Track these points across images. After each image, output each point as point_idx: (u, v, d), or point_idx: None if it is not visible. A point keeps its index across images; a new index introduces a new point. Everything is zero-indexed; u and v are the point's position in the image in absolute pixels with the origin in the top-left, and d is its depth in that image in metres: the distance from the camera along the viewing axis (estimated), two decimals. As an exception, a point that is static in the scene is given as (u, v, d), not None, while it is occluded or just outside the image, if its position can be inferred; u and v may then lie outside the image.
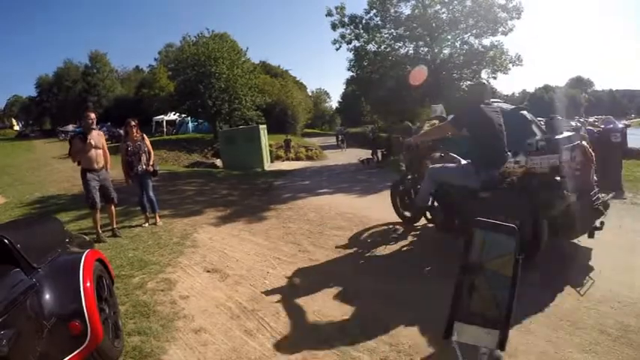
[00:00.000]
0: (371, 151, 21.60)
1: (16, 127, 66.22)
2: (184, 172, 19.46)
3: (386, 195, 7.82)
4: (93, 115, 7.26)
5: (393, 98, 25.10)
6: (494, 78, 24.56)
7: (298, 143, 34.94)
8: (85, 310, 2.88)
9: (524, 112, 6.50)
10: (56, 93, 59.98)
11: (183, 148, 29.91)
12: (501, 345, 1.06)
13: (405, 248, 5.94)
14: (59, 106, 58.90)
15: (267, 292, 4.54)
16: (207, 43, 30.72)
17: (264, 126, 25.44)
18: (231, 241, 6.76)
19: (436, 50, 24.25)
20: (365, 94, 29.70)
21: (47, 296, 2.86)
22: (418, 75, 20.82)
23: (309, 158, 30.14)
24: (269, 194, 11.84)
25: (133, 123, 8.14)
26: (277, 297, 4.41)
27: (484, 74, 24.59)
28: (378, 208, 8.32)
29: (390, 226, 6.99)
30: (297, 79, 69.99)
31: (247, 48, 33.04)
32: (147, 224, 8.02)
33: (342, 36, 24.66)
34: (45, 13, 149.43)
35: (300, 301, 4.29)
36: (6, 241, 2.82)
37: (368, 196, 10.56)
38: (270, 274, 5.09)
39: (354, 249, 6.05)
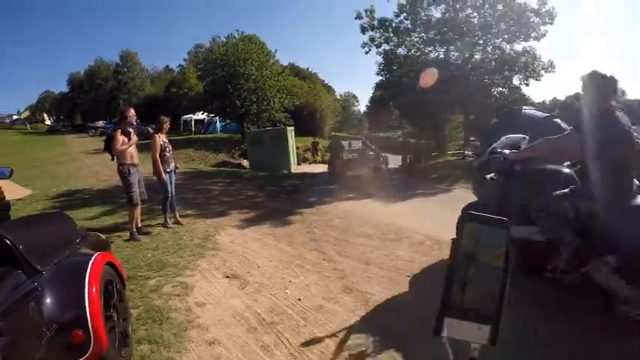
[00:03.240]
0: (401, 156, 21.04)
1: (48, 122, 67.72)
2: (211, 172, 19.52)
3: (415, 203, 7.54)
4: (133, 112, 7.20)
5: (422, 103, 24.60)
6: (527, 84, 23.91)
7: (325, 146, 34.70)
8: (88, 319, 2.64)
9: (558, 120, 6.08)
10: (87, 90, 61.02)
11: (210, 148, 30.06)
12: (493, 340, 1.00)
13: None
14: (90, 102, 60.12)
15: (288, 304, 4.24)
16: (236, 45, 30.84)
17: (292, 128, 25.29)
18: (253, 245, 6.51)
19: (467, 55, 23.66)
20: (394, 98, 29.22)
21: (49, 302, 2.64)
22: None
23: (337, 161, 29.78)
24: (295, 197, 11.65)
25: (167, 120, 8.03)
26: (298, 309, 4.11)
27: (516, 80, 23.99)
28: (407, 217, 8.01)
29: (427, 241, 6.52)
30: (326, 82, 69.84)
31: (276, 50, 33.17)
32: (170, 224, 7.76)
33: (372, 39, 24.26)
34: (77, 12, 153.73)
35: (322, 316, 3.97)
36: (7, 241, 2.59)
37: (397, 204, 10.19)
38: (292, 284, 4.79)
39: (382, 260, 5.69)
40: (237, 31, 32.03)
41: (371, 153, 15.99)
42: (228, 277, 5.06)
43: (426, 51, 24.52)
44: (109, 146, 6.87)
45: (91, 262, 2.98)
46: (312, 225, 7.86)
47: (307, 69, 66.29)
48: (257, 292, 4.57)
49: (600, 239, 3.27)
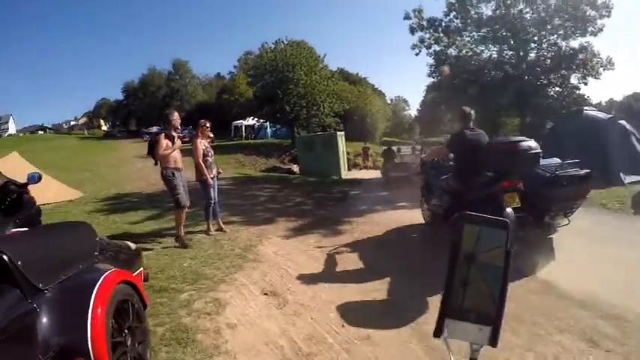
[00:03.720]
0: None
1: (104, 128, 71.28)
2: (260, 177, 19.35)
3: None
4: (177, 115, 6.95)
5: (476, 106, 23.57)
6: (585, 84, 22.58)
7: (376, 152, 34.03)
8: (89, 344, 2.30)
9: (623, 122, 5.42)
10: (141, 97, 63.27)
11: (260, 153, 30.07)
12: (493, 341, 0.99)
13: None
14: (144, 109, 62.11)
15: (330, 330, 3.69)
16: (284, 50, 30.75)
17: (342, 133, 24.77)
18: (297, 258, 6.00)
19: (521, 53, 22.49)
20: (446, 101, 28.20)
21: (48, 325, 2.29)
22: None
23: (389, 168, 29.07)
24: (344, 204, 11.06)
25: (208, 124, 7.63)
26: (341, 338, 3.55)
27: (573, 79, 22.66)
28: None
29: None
30: (376, 86, 68.94)
31: (325, 54, 32.85)
32: (212, 231, 7.43)
33: (421, 40, 23.63)
34: (132, 23, 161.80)
35: (369, 348, 3.38)
36: (5, 257, 2.25)
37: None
38: (337, 306, 4.22)
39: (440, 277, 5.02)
40: (286, 36, 32.05)
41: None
42: (266, 294, 4.59)
43: (478, 51, 23.52)
44: (153, 150, 6.65)
45: (100, 280, 2.59)
46: (361, 236, 7.28)
47: (357, 74, 65.84)
48: (296, 314, 4.05)
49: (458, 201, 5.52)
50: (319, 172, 20.10)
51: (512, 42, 22.50)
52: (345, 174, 22.38)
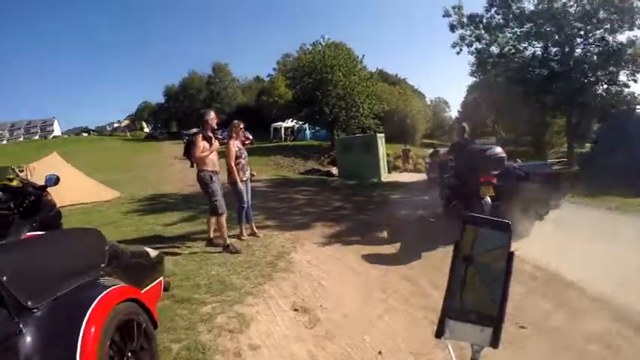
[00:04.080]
0: None
1: (146, 130, 72.62)
2: (297, 179, 18.94)
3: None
4: (214, 115, 6.63)
5: (521, 106, 22.52)
6: (635, 81, 21.10)
7: (417, 154, 33.27)
8: None
9: None
10: (182, 100, 63.79)
11: (299, 155, 29.82)
12: (494, 342, 0.97)
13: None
14: (184, 111, 62.38)
15: (365, 358, 3.21)
16: (322, 51, 30.45)
17: (382, 134, 24.20)
18: (332, 268, 5.55)
19: (567, 49, 21.28)
20: (488, 101, 27.15)
21: (34, 348, 1.98)
22: None
23: (429, 170, 28.32)
24: (385, 209, 10.51)
25: (242, 125, 7.26)
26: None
27: (622, 76, 21.29)
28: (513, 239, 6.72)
29: (539, 274, 5.28)
30: (415, 87, 67.73)
31: (363, 55, 32.24)
32: (245, 236, 7.05)
33: (462, 38, 22.71)
34: (172, 28, 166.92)
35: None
36: (-12, 272, 1.92)
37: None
38: (373, 327, 3.73)
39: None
40: (323, 37, 31.64)
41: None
42: (296, 309, 4.16)
43: (521, 47, 22.48)
44: (189, 151, 6.40)
45: (98, 298, 2.22)
46: (403, 245, 6.75)
47: (396, 75, 64.98)
48: (327, 335, 3.58)
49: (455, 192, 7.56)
50: (358, 174, 19.68)
51: (557, 37, 21.38)
52: (385, 177, 21.89)
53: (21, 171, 12.40)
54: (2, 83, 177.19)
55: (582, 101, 21.00)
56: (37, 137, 79.42)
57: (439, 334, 1.00)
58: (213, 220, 6.56)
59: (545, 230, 6.74)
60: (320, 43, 31.28)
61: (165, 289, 3.88)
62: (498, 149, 7.37)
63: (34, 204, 4.46)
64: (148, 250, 3.87)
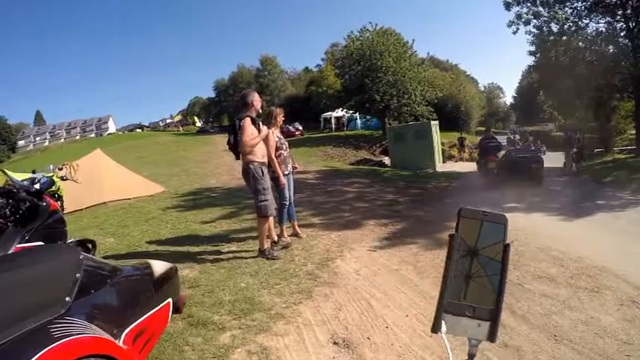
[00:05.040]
0: (565, 154, 17.47)
1: (198, 124, 73.74)
2: (347, 170, 17.83)
3: (601, 221, 6.29)
4: (258, 97, 5.58)
5: (585, 88, 20.54)
6: None
7: (472, 142, 31.67)
8: None
9: None
10: (232, 94, 63.88)
11: (350, 145, 28.97)
12: (492, 337, 0.95)
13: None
14: (235, 105, 62.70)
15: None
16: (371, 38, 29.56)
17: (436, 122, 23.02)
18: (385, 282, 4.50)
19: (633, 25, 19.07)
20: (547, 85, 25.01)
21: None
22: None
23: (486, 159, 26.76)
24: (442, 204, 9.34)
25: (282, 113, 6.31)
26: None
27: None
28: (598, 246, 5.58)
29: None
30: (468, 73, 65.09)
31: (413, 40, 30.91)
32: (286, 237, 6.05)
33: (519, 16, 20.95)
34: (220, 23, 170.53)
35: None
36: None
37: (576, 221, 7.47)
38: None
39: (579, 333, 3.32)
40: (371, 23, 30.60)
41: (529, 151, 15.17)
42: (336, 343, 3.19)
43: (582, 24, 20.44)
44: (235, 139, 5.40)
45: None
46: None
47: (447, 61, 63.09)
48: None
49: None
50: (412, 164, 18.94)
51: (621, 11, 19.23)
52: (440, 166, 21.04)
53: (60, 169, 12.30)
54: (60, 85, 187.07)
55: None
56: (92, 135, 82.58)
57: (435, 329, 0.96)
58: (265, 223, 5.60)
59: None
60: (368, 30, 30.43)
61: (177, 311, 3.03)
62: (494, 138, 15.40)
63: (30, 211, 3.76)
64: (154, 264, 3.02)
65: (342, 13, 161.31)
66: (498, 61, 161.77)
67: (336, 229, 6.86)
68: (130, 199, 11.88)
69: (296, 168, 6.59)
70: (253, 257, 5.37)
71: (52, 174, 11.49)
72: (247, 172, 5.30)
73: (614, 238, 6.17)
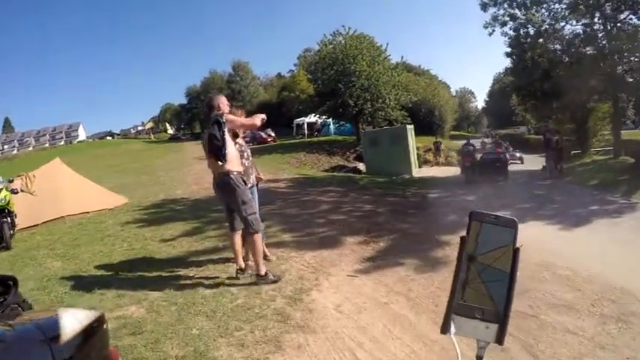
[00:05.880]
0: (544, 156, 17.31)
1: (170, 131, 72.93)
2: (322, 178, 16.98)
3: (601, 228, 6.09)
4: (224, 100, 4.83)
5: (561, 90, 20.32)
6: None
7: (448, 146, 31.33)
8: None
9: None
10: (203, 100, 63.02)
11: (323, 151, 28.37)
12: (500, 339, 0.94)
13: None
14: (207, 112, 62.44)
15: None
16: (344, 41, 29.16)
17: (412, 126, 22.49)
18: (373, 322, 3.63)
19: (610, 26, 18.92)
20: (523, 87, 24.79)
21: None
22: None
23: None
24: (425, 213, 8.62)
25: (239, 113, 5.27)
26: None
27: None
28: (609, 259, 5.04)
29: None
30: (440, 78, 65.02)
31: (387, 44, 30.39)
32: (248, 262, 5.06)
33: (495, 17, 20.83)
34: (190, 29, 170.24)
35: None
36: None
37: (574, 230, 6.87)
38: None
39: None
40: (344, 26, 30.11)
41: (507, 154, 18.40)
42: None
43: (559, 27, 20.32)
44: (217, 144, 4.41)
45: None
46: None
47: (419, 66, 63.09)
48: None
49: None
50: (388, 170, 18.35)
51: (601, 10, 19.03)
52: (416, 171, 20.53)
53: (11, 181, 11.42)
54: (29, 92, 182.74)
55: (634, 83, 18.74)
56: (62, 142, 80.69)
57: (444, 330, 0.95)
58: (237, 239, 4.84)
59: None
60: (340, 33, 29.93)
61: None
62: (473, 147, 19.18)
63: None
64: (65, 318, 2.13)
65: (313, 20, 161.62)
66: (469, 66, 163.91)
67: (310, 249, 5.98)
68: (89, 212, 11.06)
69: (261, 179, 5.63)
70: (212, 288, 4.51)
71: (1, 186, 10.48)
72: (226, 183, 4.51)
73: (621, 250, 5.57)
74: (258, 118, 4.69)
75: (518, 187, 13.50)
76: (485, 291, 0.96)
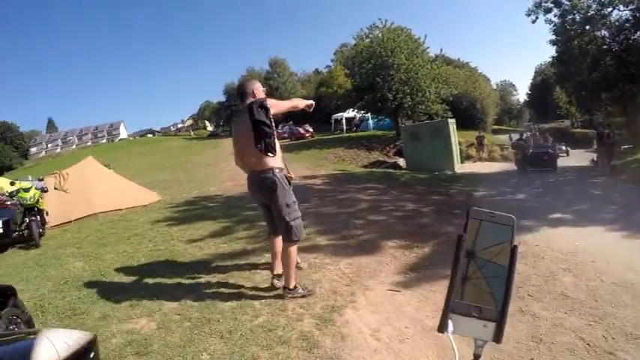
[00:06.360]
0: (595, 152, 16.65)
1: (209, 128, 73.80)
2: (360, 174, 16.29)
3: None
4: (259, 85, 4.19)
5: (613, 80, 19.00)
6: None
7: (491, 141, 30.06)
8: None
9: None
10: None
11: (362, 146, 27.91)
12: (497, 338, 0.96)
13: None
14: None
15: None
16: (381, 34, 28.63)
17: (453, 120, 21.53)
18: (418, 356, 2.95)
19: None
20: (568, 77, 23.33)
21: None
22: None
23: (505, 159, 25.26)
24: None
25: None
26: None
27: None
28: None
29: None
30: (479, 71, 62.92)
31: (425, 36, 29.39)
32: (279, 270, 4.43)
33: (538, 4, 19.67)
34: (230, 27, 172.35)
35: None
36: None
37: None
38: None
39: None
40: (380, 19, 29.43)
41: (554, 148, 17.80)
42: None
43: (606, 12, 18.99)
44: (267, 131, 3.71)
45: None
46: (525, 289, 3.97)
47: (458, 59, 61.69)
48: None
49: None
50: (429, 166, 17.63)
51: None
52: (458, 167, 19.66)
53: (41, 180, 11.60)
54: (72, 93, 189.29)
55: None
56: (104, 141, 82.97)
57: (442, 328, 0.97)
58: (279, 244, 4.18)
59: None
60: (377, 27, 29.32)
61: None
62: (523, 142, 18.60)
63: None
64: (41, 347, 1.69)
65: (350, 15, 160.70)
66: (510, 58, 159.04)
67: (346, 255, 5.32)
68: (121, 209, 10.99)
69: (292, 178, 4.93)
70: (233, 300, 3.99)
71: (30, 184, 10.40)
72: (271, 182, 3.83)
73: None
74: (303, 102, 4.30)
75: (569, 184, 12.45)
76: (485, 287, 0.95)
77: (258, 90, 4.06)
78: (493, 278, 0.95)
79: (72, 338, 1.77)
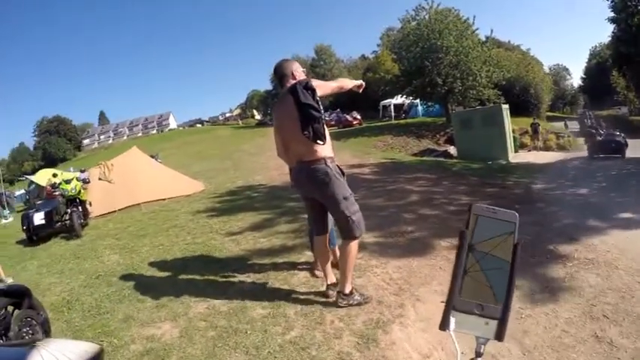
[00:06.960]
0: None
1: (257, 117, 73.97)
2: (410, 163, 15.59)
3: None
4: (297, 66, 3.68)
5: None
6: None
7: (546, 128, 28.50)
8: None
9: None
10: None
11: (411, 134, 27.18)
12: (499, 335, 0.94)
13: None
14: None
15: None
16: (428, 16, 27.62)
17: (507, 106, 20.38)
18: None
19: None
20: (629, 59, 21.65)
21: None
22: None
23: (561, 148, 24.10)
24: (533, 211, 6.75)
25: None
26: None
27: None
28: None
29: None
30: (531, 54, 59.75)
31: (474, 16, 27.77)
32: (319, 272, 4.10)
33: None
34: (275, 17, 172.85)
35: None
36: None
37: None
38: None
39: None
40: (427, 1, 28.12)
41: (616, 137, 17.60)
42: None
43: None
44: (316, 115, 3.19)
45: None
46: (600, 308, 3.25)
47: (509, 41, 59.47)
48: None
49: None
50: (481, 154, 16.79)
51: None
52: (512, 156, 18.64)
53: (82, 171, 11.77)
54: (122, 85, 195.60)
55: None
56: (154, 131, 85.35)
57: (443, 326, 0.95)
58: (324, 246, 3.73)
59: None
60: (424, 8, 28.16)
61: None
62: (594, 130, 19.78)
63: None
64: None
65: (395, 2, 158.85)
66: (561, 41, 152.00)
67: (395, 256, 4.74)
68: (164, 199, 11.18)
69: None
70: (265, 307, 3.59)
71: (72, 176, 10.53)
72: (323, 173, 3.33)
73: None
74: (351, 82, 3.74)
75: (635, 178, 11.01)
76: (485, 281, 0.93)
77: (298, 71, 3.54)
78: (492, 271, 0.93)
79: (74, 352, 1.74)
